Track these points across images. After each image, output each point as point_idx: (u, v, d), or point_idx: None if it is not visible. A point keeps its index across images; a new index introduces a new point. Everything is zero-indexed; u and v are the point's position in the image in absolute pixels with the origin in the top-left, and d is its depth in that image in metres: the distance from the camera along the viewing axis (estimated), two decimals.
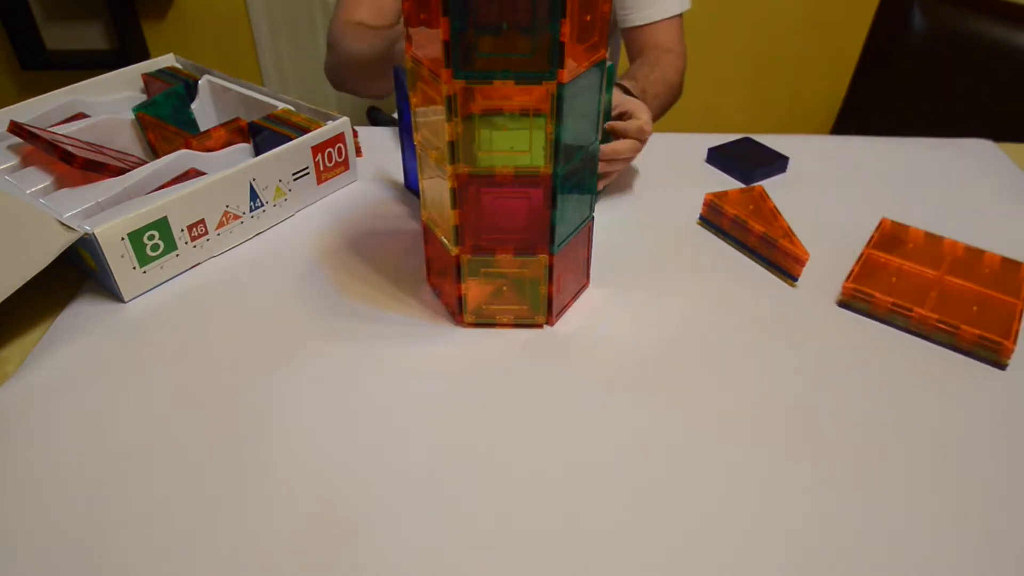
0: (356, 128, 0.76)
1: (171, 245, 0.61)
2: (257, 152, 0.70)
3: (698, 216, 0.72)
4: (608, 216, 0.71)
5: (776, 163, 0.79)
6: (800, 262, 0.62)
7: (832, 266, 0.64)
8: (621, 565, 0.41)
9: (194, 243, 0.63)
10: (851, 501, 0.45)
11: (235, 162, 0.65)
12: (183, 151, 0.65)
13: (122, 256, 0.58)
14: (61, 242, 0.56)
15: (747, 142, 0.83)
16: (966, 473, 0.47)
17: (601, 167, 0.68)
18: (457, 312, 0.57)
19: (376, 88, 0.91)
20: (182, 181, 0.64)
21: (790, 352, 0.56)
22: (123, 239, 0.57)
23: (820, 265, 0.64)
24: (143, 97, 0.82)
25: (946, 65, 1.26)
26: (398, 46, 0.76)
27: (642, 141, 0.71)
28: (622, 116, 0.71)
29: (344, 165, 0.74)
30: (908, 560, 0.41)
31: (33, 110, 0.74)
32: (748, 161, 0.79)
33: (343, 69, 0.91)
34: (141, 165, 0.65)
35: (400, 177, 0.77)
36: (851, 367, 0.55)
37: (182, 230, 0.62)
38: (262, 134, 0.71)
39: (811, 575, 0.41)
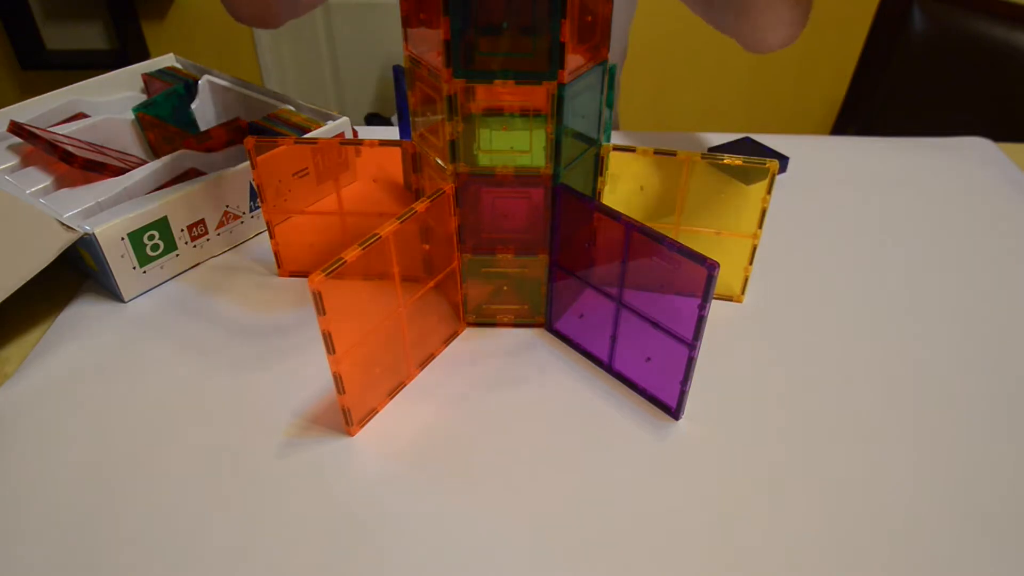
0: (356, 128, 0.75)
1: (171, 245, 0.61)
2: None
3: None
4: None
5: None
6: None
7: (829, 267, 0.64)
8: (622, 563, 0.41)
9: (194, 243, 0.63)
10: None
11: (235, 162, 0.65)
12: (183, 151, 0.65)
13: (122, 256, 0.58)
14: (61, 242, 0.56)
15: (747, 142, 0.83)
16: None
17: None
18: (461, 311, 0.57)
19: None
20: (182, 181, 0.64)
21: (783, 350, 0.56)
22: (123, 239, 0.58)
23: (817, 266, 0.64)
24: (143, 97, 0.82)
25: (946, 65, 1.26)
26: None
27: None
28: None
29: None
30: None
31: (33, 110, 0.74)
32: None
33: None
34: (141, 165, 0.65)
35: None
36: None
37: (182, 230, 0.62)
38: (262, 134, 0.71)
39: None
